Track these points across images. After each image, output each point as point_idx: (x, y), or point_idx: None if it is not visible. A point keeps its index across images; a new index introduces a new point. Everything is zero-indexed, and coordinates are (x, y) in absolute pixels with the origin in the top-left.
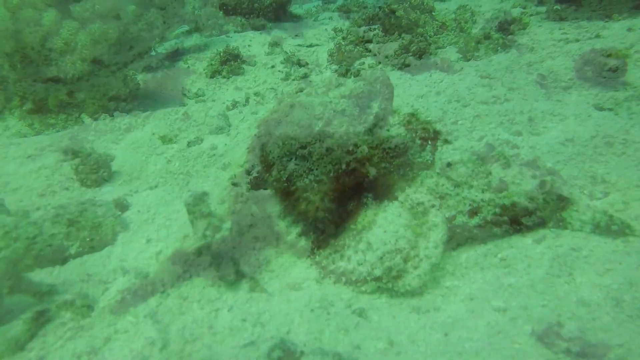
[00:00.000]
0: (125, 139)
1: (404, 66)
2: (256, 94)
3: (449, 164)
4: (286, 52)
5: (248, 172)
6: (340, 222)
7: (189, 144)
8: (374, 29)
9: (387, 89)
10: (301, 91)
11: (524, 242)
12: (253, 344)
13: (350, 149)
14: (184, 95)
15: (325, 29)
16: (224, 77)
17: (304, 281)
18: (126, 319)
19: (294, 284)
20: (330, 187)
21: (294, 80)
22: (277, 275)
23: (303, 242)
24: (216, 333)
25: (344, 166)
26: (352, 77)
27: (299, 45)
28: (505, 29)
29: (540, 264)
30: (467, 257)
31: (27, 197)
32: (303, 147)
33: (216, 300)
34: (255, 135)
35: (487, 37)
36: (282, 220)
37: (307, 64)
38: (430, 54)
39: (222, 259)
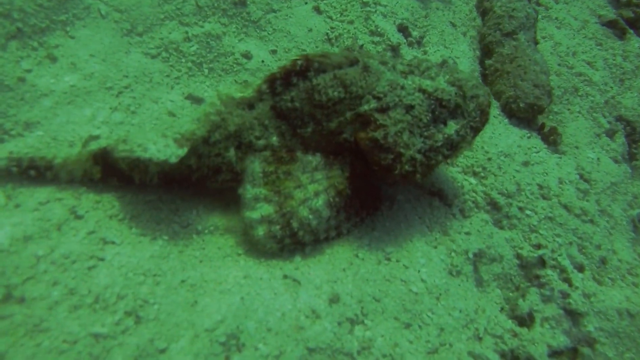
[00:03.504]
0: None
1: None
2: (332, 29)
3: (475, 254)
4: (395, 13)
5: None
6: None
7: (223, 34)
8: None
9: (479, 116)
10: (394, 59)
11: None
12: (105, 339)
13: (390, 159)
14: None
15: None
16: None
17: (230, 289)
18: None
19: (215, 284)
20: (337, 179)
21: (382, 42)
22: (202, 260)
23: (261, 233)
24: (74, 292)
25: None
26: (448, 75)
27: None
28: (636, 140)
29: None
30: None
31: None
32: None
33: (110, 244)
34: (285, 66)
35: (611, 133)
36: (252, 186)
37: (410, 34)
38: (544, 112)
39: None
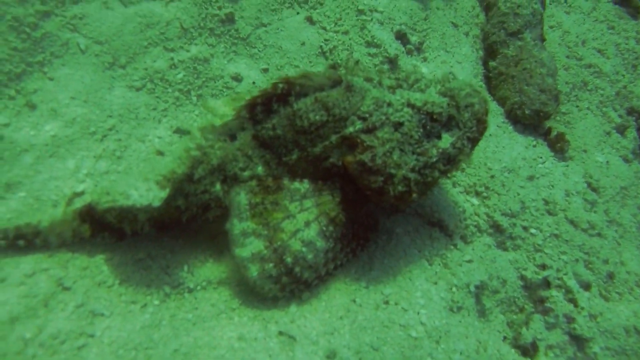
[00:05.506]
0: (137, 5)
1: None
2: (326, 41)
3: (477, 286)
4: (393, 19)
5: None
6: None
7: (211, 57)
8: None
9: (476, 125)
10: (380, 74)
11: None
12: None
13: (381, 181)
14: None
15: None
16: None
17: (224, 354)
18: None
19: (209, 349)
20: (330, 205)
21: (379, 55)
22: (195, 322)
23: (255, 273)
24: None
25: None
26: (439, 86)
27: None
28: None
29: None
30: None
31: None
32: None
33: (100, 317)
34: (266, 89)
35: (621, 128)
36: (239, 220)
37: (409, 41)
38: (552, 117)
39: (141, 251)
